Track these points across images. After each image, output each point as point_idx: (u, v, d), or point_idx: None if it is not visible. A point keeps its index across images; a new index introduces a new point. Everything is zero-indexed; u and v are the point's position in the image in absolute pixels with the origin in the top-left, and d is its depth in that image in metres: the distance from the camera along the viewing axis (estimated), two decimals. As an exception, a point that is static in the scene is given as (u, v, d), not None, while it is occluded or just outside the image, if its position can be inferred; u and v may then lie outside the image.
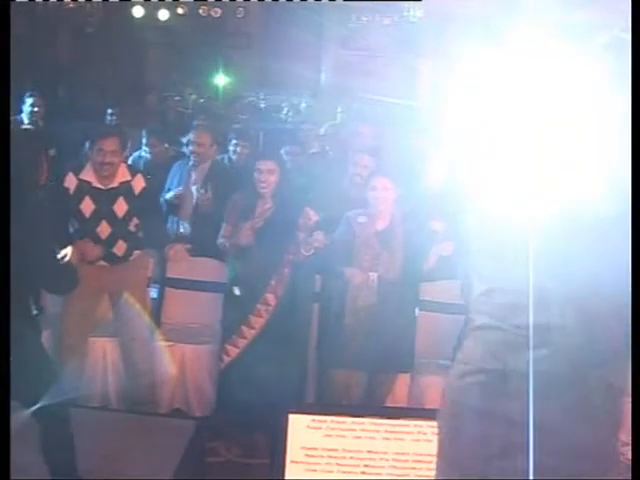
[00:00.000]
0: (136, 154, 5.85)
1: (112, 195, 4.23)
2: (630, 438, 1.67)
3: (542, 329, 1.70)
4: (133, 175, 4.31)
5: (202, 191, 4.97)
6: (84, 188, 4.20)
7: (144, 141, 5.84)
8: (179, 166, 5.33)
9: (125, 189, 4.26)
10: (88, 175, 4.22)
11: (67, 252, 3.21)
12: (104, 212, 4.21)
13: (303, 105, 9.80)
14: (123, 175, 4.27)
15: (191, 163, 5.22)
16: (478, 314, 1.87)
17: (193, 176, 5.15)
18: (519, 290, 1.73)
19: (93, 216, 4.20)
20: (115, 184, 4.24)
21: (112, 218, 4.21)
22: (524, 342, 1.72)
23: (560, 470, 1.70)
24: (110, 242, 4.22)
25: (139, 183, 4.30)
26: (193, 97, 10.84)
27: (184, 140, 5.49)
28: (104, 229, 4.20)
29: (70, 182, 4.21)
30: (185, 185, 5.12)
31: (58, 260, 3.14)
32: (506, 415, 1.75)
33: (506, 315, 1.78)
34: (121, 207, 4.24)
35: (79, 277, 3.21)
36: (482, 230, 1.86)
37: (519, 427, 1.71)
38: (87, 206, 4.19)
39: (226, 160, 5.56)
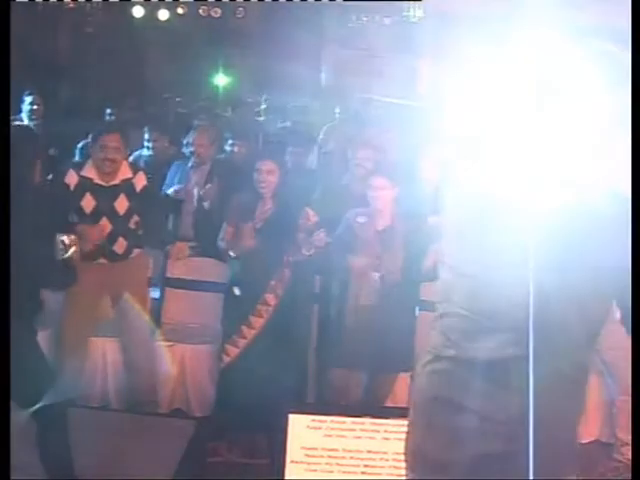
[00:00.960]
0: (137, 153, 5.83)
1: (113, 192, 4.23)
2: (630, 438, 1.66)
3: (504, 314, 1.70)
4: (135, 172, 4.32)
5: (208, 185, 4.96)
6: (85, 184, 4.21)
7: (146, 137, 5.83)
8: (178, 166, 5.33)
9: (126, 186, 4.26)
10: (89, 172, 4.23)
11: (66, 240, 3.19)
12: (105, 209, 4.20)
13: (303, 105, 9.78)
14: (125, 172, 4.28)
15: (190, 164, 5.22)
16: (442, 302, 1.88)
17: (194, 177, 5.15)
18: (480, 276, 1.75)
19: (94, 213, 4.20)
20: (117, 181, 4.25)
21: (113, 215, 4.21)
22: (482, 328, 1.74)
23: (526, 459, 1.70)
24: (110, 239, 4.22)
25: (140, 180, 4.31)
26: (193, 97, 10.82)
27: (184, 141, 5.49)
28: (104, 226, 4.20)
29: (71, 178, 4.21)
30: (186, 184, 5.13)
31: (56, 256, 3.12)
32: (462, 402, 1.75)
33: (466, 301, 1.79)
34: (122, 204, 4.24)
35: (77, 273, 3.20)
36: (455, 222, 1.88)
37: (471, 413, 1.73)
38: (88, 202, 4.19)
39: (224, 159, 5.56)
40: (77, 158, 4.89)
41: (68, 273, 3.18)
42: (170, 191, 5.07)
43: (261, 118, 9.16)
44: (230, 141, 5.60)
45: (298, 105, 9.46)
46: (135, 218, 4.29)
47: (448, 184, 2.00)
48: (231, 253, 4.22)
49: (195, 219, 5.06)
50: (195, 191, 5.07)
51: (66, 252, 3.18)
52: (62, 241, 3.18)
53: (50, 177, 4.55)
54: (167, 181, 5.23)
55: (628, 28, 1.68)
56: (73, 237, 3.26)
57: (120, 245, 4.26)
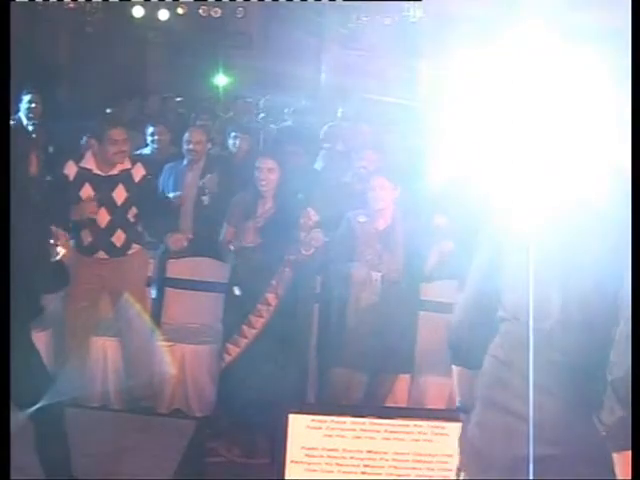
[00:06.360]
0: (137, 152, 5.80)
1: (112, 182, 4.25)
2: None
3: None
4: (133, 163, 4.35)
5: (208, 176, 4.96)
6: (84, 175, 4.23)
7: (150, 131, 5.80)
8: (171, 168, 5.27)
9: (125, 177, 4.29)
10: (89, 163, 4.26)
11: (61, 246, 3.19)
12: (103, 199, 4.22)
13: (303, 105, 9.78)
14: (124, 163, 4.30)
15: (185, 162, 5.22)
16: (501, 308, 1.91)
17: (189, 176, 5.15)
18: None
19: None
20: (115, 171, 4.27)
21: (111, 205, 4.23)
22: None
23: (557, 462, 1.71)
24: (109, 231, 4.23)
25: (139, 171, 4.34)
26: (193, 97, 10.82)
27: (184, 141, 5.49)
28: (103, 216, 4.21)
29: (70, 169, 4.24)
30: (183, 186, 5.12)
31: (48, 257, 3.11)
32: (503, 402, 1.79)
33: (516, 309, 1.82)
34: (120, 194, 4.25)
35: (70, 275, 3.20)
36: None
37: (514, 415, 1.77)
38: (86, 193, 4.21)
39: (226, 154, 5.56)
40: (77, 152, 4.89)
41: (60, 275, 3.17)
42: (170, 196, 5.05)
43: (261, 118, 9.16)
44: (233, 134, 5.60)
45: (298, 105, 9.46)
46: (133, 210, 4.30)
47: (451, 185, 2.01)
48: (231, 247, 4.21)
49: (194, 215, 5.06)
50: (193, 188, 5.06)
51: (57, 254, 3.17)
52: (53, 243, 3.18)
53: (49, 177, 4.57)
54: (161, 183, 5.20)
55: (627, 28, 1.68)
56: (64, 239, 3.26)
57: (118, 237, 4.27)
